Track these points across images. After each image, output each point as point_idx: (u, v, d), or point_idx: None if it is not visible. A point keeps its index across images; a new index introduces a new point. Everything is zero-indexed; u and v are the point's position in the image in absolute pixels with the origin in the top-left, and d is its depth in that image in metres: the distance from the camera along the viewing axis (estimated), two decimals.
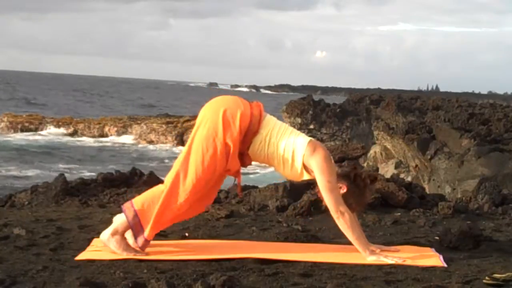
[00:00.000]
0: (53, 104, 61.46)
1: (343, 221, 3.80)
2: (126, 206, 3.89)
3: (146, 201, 3.86)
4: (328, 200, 3.80)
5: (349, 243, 4.19)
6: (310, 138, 3.95)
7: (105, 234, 3.89)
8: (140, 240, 3.83)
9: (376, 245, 3.95)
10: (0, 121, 34.40)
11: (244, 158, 3.91)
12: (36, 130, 33.74)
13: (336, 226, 4.86)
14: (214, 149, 3.79)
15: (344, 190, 3.90)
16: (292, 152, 3.84)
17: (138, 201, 3.89)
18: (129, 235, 3.89)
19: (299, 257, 3.77)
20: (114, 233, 3.85)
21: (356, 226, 3.86)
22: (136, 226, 3.83)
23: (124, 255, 3.78)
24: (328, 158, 3.84)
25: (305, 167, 3.85)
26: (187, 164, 3.81)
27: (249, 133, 3.84)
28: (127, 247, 3.83)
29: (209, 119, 3.84)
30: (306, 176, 3.90)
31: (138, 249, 3.82)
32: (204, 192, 3.89)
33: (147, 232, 3.82)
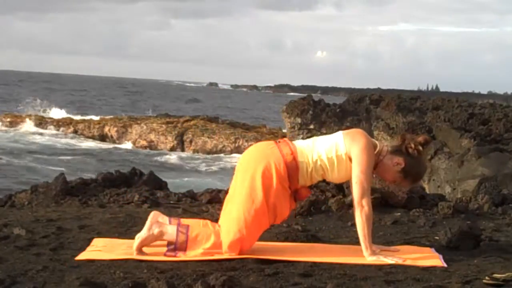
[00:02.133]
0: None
1: (361, 215, 3.79)
2: (181, 229, 3.85)
3: (200, 234, 3.84)
4: (355, 190, 3.80)
5: (349, 243, 4.18)
6: (341, 131, 3.94)
7: (155, 225, 3.85)
8: (175, 253, 3.80)
9: (376, 245, 3.94)
10: None
11: (299, 192, 3.93)
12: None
13: (336, 226, 4.88)
14: (255, 211, 3.79)
15: (402, 165, 3.89)
16: (336, 154, 3.83)
17: (194, 230, 3.86)
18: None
19: (299, 257, 3.77)
20: (159, 234, 3.84)
21: (370, 224, 3.84)
22: (180, 247, 3.82)
23: (130, 250, 3.77)
24: (367, 147, 3.81)
25: (351, 159, 3.83)
26: (231, 222, 3.81)
27: (291, 172, 3.83)
28: (142, 247, 3.81)
29: (246, 182, 3.82)
30: None
31: (165, 254, 3.79)
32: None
33: (186, 254, 3.80)
